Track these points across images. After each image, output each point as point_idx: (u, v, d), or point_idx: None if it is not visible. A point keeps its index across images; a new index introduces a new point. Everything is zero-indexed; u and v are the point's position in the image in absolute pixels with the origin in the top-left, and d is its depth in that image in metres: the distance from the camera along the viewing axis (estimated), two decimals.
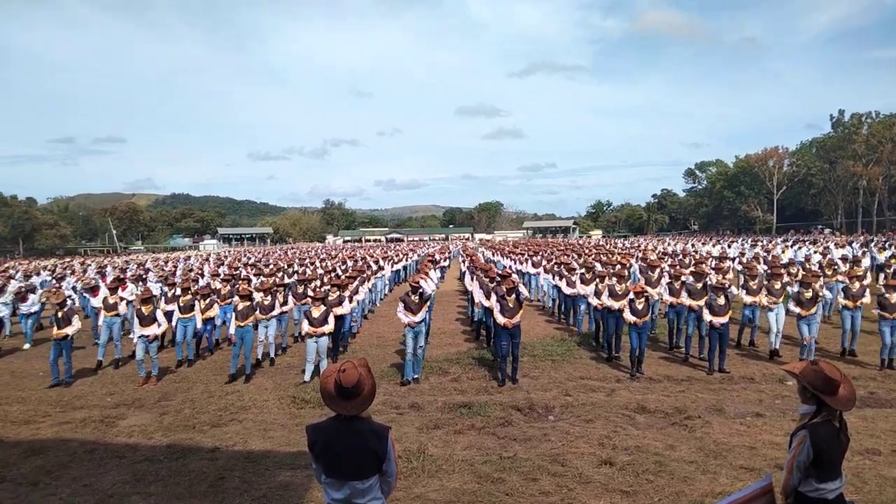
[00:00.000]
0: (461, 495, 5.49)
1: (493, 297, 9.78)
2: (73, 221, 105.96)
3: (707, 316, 9.80)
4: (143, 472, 6.24)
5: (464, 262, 22.86)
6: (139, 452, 6.85)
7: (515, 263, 22.69)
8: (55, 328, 10.05)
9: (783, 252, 25.56)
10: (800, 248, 27.25)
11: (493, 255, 30.45)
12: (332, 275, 16.86)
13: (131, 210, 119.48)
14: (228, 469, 6.28)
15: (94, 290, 14.49)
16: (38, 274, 24.41)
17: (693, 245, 36.96)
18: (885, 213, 76.25)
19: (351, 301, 12.16)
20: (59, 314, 10.15)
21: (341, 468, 3.17)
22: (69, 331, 10.04)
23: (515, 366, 9.56)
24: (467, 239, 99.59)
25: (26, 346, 13.94)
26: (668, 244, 40.28)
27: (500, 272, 12.07)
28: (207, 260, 31.55)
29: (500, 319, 9.37)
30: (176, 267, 23.46)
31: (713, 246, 34.21)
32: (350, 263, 22.22)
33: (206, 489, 5.81)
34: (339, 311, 11.00)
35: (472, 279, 14.07)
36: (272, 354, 11.39)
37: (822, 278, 13.24)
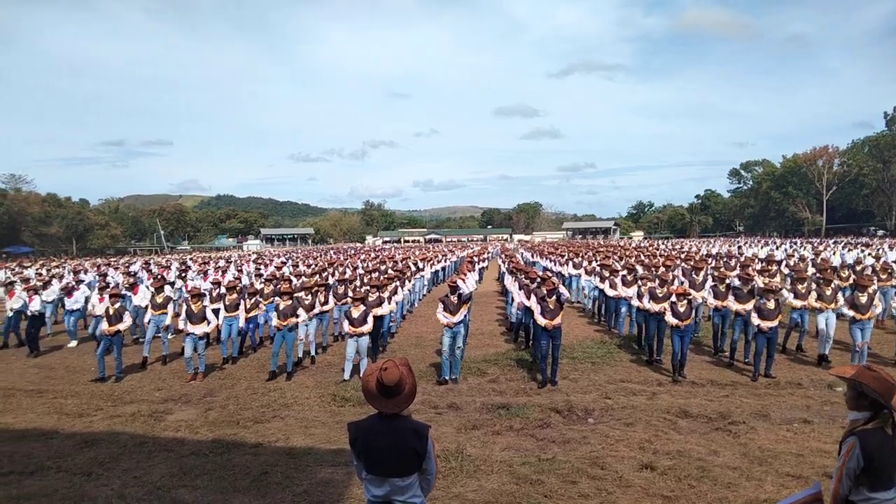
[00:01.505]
0: (499, 496, 5.48)
1: (534, 299, 9.74)
2: (124, 222, 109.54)
3: (756, 320, 9.54)
4: (189, 466, 6.42)
5: (503, 263, 22.80)
6: (186, 446, 7.05)
7: (555, 265, 22.53)
8: (106, 324, 10.41)
9: (833, 255, 24.75)
10: (850, 250, 26.35)
11: (533, 256, 30.28)
12: (373, 275, 17.05)
13: (178, 211, 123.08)
14: (271, 464, 6.41)
15: (133, 287, 14.89)
16: (85, 272, 25.21)
17: (739, 247, 36.10)
18: None
19: (390, 302, 12.26)
20: (111, 311, 10.50)
21: (382, 465, 3.22)
22: (120, 327, 10.39)
23: (555, 368, 9.51)
24: (506, 240, 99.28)
25: (72, 343, 14.14)
26: (714, 246, 39.32)
27: (539, 274, 12.01)
28: (260, 261, 32.00)
29: (541, 321, 9.33)
30: (227, 266, 24.07)
31: (760, 248, 33.36)
32: (390, 264, 22.41)
33: (250, 484, 5.94)
34: (378, 311, 11.10)
35: (511, 280, 14.04)
36: (313, 353, 11.58)
37: (876, 282, 12.78)
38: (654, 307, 10.51)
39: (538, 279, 11.17)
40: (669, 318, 9.72)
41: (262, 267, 24.06)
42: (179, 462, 6.55)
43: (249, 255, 53.78)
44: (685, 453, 6.40)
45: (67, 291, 14.91)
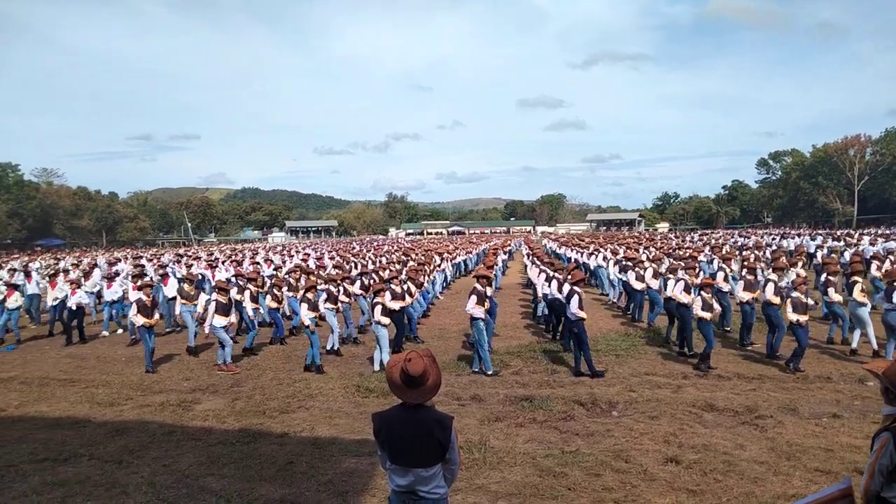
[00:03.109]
0: (523, 488, 5.49)
1: (567, 290, 9.72)
2: (152, 215, 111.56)
3: (791, 315, 9.37)
4: (217, 455, 6.54)
5: (527, 255, 22.72)
6: (213, 436, 7.18)
7: (582, 256, 22.39)
8: (142, 316, 10.53)
9: (871, 246, 24.23)
10: (886, 241, 25.77)
11: (559, 247, 30.08)
12: (397, 267, 17.13)
13: (205, 204, 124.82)
14: (296, 454, 6.50)
15: (164, 278, 15.20)
16: (117, 262, 25.68)
17: (773, 238, 35.60)
18: None
19: (412, 295, 12.32)
20: (148, 302, 10.69)
21: (406, 455, 3.24)
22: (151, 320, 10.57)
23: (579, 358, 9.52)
24: (529, 232, 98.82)
25: (104, 333, 14.52)
26: (747, 238, 38.65)
27: (565, 266, 12.00)
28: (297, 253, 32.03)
29: (580, 313, 9.36)
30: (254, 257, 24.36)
31: (790, 240, 32.82)
32: (414, 256, 22.48)
33: (276, 473, 6.03)
34: (401, 303, 11.16)
35: (537, 273, 13.99)
36: (337, 345, 11.64)
37: None
38: (684, 298, 10.40)
39: (565, 271, 11.15)
40: (697, 311, 9.62)
41: (286, 257, 24.33)
42: (207, 451, 6.67)
43: (277, 246, 54.39)
44: (711, 447, 6.33)
45: (107, 281, 15.26)
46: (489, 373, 9.58)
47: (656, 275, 13.62)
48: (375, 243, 52.46)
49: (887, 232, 42.26)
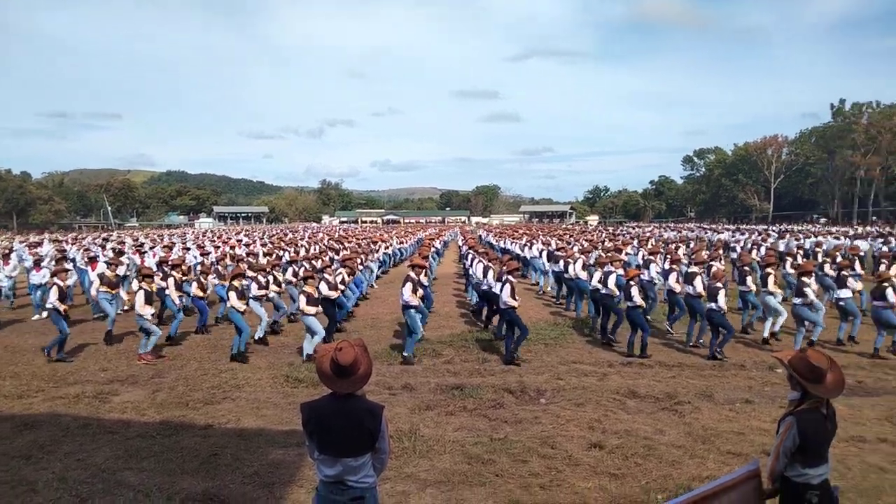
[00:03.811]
0: (451, 475, 5.54)
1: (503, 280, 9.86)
2: (68, 197, 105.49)
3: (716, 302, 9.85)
4: (135, 448, 6.28)
5: (463, 245, 22.87)
6: (132, 429, 6.88)
7: (516, 247, 22.73)
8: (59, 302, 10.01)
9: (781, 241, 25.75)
10: (791, 239, 27.43)
11: (496, 239, 30.38)
12: (330, 255, 16.90)
13: (126, 186, 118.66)
14: (221, 446, 6.32)
15: (93, 261, 14.53)
16: (40, 245, 24.33)
17: (706, 233, 37.35)
18: (881, 204, 76.43)
19: (344, 285, 12.18)
20: (65, 288, 10.23)
21: (335, 445, 3.20)
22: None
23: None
24: (464, 222, 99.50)
25: (36, 316, 13.98)
26: (680, 232, 40.42)
27: (499, 256, 12.15)
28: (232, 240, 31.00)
29: (512, 302, 9.51)
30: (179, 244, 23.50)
31: (715, 234, 34.49)
32: (347, 245, 22.21)
33: (199, 466, 5.85)
34: (333, 293, 11.02)
35: (472, 263, 14.10)
36: (262, 334, 11.34)
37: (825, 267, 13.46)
38: (616, 290, 10.79)
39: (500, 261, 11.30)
40: (635, 299, 9.96)
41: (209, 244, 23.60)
42: (125, 444, 6.39)
43: (207, 232, 52.62)
44: (632, 432, 6.58)
45: (35, 265, 14.48)
46: (405, 354, 9.63)
47: (585, 266, 13.98)
48: (309, 231, 51.52)
49: (807, 228, 44.93)
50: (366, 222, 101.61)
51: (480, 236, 36.65)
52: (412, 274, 9.92)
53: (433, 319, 13.36)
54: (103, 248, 21.62)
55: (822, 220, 72.91)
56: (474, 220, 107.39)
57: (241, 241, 26.27)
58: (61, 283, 10.20)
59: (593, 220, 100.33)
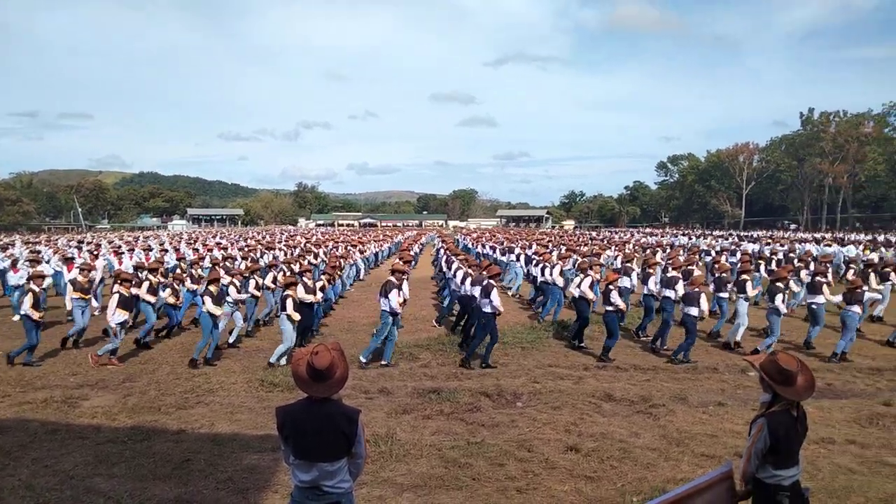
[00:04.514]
0: (428, 479, 5.52)
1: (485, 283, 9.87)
2: (37, 198, 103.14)
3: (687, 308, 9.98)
4: (106, 454, 6.15)
5: (440, 249, 22.87)
6: (102, 434, 6.74)
7: (494, 252, 22.82)
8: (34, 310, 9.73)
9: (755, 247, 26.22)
10: (767, 243, 27.97)
11: (472, 243, 30.40)
12: (308, 259, 16.78)
13: (97, 188, 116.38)
14: (194, 451, 6.22)
15: (69, 261, 14.26)
16: (12, 246, 23.82)
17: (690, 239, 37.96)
18: (848, 211, 78.27)
19: (324, 290, 12.10)
20: (39, 294, 9.95)
21: (311, 450, 3.17)
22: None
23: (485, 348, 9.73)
24: (441, 226, 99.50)
25: (16, 317, 13.53)
26: (660, 237, 40.97)
27: (479, 263, 12.19)
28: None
29: (501, 307, 9.62)
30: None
31: (689, 239, 35.03)
32: (325, 249, 22.06)
33: (171, 471, 5.75)
34: (312, 298, 10.92)
35: (452, 269, 14.06)
36: (232, 340, 11.19)
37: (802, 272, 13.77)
38: (590, 294, 10.85)
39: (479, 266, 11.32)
40: (616, 303, 10.05)
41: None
42: (95, 450, 6.26)
43: (181, 234, 51.85)
44: (608, 435, 6.63)
45: (12, 266, 14.14)
46: (361, 359, 9.58)
47: (562, 272, 14.08)
48: (286, 234, 51.09)
49: (779, 235, 45.81)
50: (342, 225, 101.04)
51: (457, 240, 36.70)
52: (392, 279, 9.86)
53: (410, 323, 13.34)
54: (79, 249, 21.21)
55: (793, 227, 74.45)
56: (451, 223, 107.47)
57: (219, 244, 25.86)
58: (36, 289, 9.92)
59: (569, 224, 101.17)
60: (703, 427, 6.92)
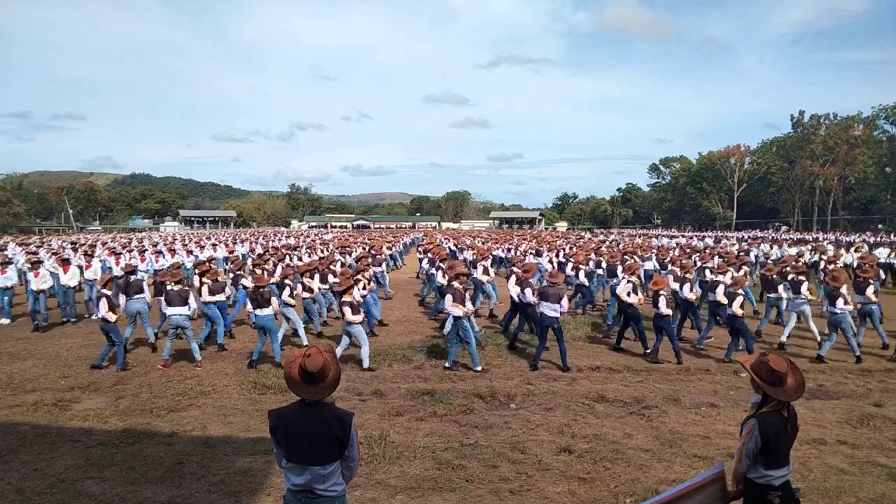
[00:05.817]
0: (422, 481, 5.52)
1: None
2: (28, 199, 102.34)
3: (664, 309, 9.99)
4: (97, 457, 6.11)
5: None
6: (94, 437, 6.70)
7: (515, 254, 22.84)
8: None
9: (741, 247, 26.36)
10: (758, 245, 28.10)
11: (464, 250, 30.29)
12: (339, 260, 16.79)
13: (89, 189, 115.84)
14: (186, 454, 6.19)
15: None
16: (5, 248, 23.59)
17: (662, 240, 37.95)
18: (838, 213, 78.83)
19: (367, 290, 12.00)
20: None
21: (303, 453, 3.17)
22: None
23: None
24: (434, 227, 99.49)
25: (4, 321, 13.51)
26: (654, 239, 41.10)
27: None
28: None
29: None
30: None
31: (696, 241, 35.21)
32: (315, 250, 21.98)
33: (163, 474, 5.72)
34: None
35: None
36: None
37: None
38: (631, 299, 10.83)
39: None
40: (663, 308, 10.00)
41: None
42: (86, 453, 6.22)
43: (174, 235, 51.52)
44: (601, 437, 6.64)
45: (2, 266, 13.97)
46: (477, 369, 9.43)
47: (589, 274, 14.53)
48: (284, 236, 50.81)
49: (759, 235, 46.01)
50: (336, 227, 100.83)
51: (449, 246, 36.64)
52: (456, 284, 9.77)
53: (403, 325, 13.32)
54: (74, 251, 21.05)
55: (784, 228, 74.90)
56: (445, 225, 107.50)
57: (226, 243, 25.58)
58: (108, 293, 9.81)
59: (562, 226, 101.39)
60: (696, 428, 6.95)
